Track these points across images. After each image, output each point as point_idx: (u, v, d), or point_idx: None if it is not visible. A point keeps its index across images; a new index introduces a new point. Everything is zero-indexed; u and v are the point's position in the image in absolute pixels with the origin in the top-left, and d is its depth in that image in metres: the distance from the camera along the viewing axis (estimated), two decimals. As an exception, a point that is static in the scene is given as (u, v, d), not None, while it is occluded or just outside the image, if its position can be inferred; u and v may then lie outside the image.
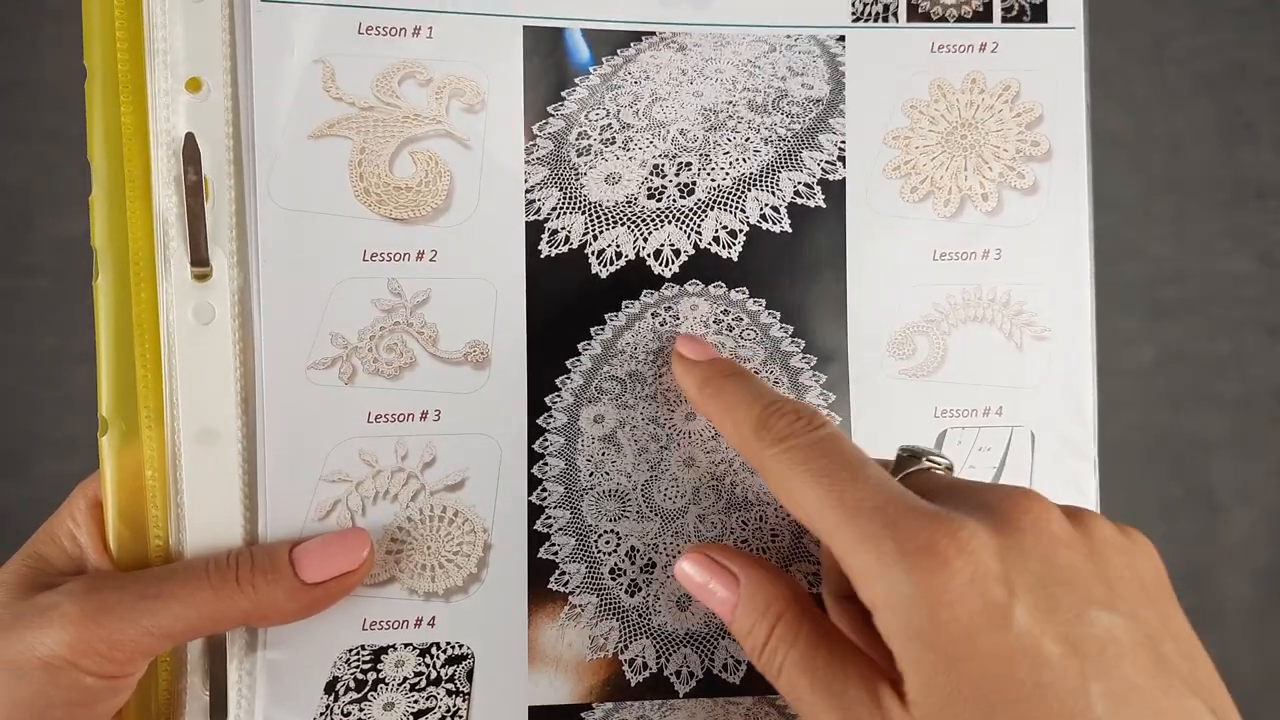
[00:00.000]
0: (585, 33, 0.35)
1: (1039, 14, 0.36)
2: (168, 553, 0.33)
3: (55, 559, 0.33)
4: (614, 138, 0.36)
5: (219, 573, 0.31)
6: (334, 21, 0.33)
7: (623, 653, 0.35)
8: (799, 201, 0.36)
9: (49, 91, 0.66)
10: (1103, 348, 0.69)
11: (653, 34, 0.36)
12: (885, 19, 0.36)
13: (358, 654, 0.34)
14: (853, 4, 0.36)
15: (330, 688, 0.34)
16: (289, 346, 0.33)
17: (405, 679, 0.34)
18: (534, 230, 0.35)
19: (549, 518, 0.35)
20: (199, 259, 0.32)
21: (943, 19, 0.36)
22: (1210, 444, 0.69)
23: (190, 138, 0.32)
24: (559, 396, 0.35)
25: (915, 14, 0.36)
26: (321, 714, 0.34)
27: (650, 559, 0.35)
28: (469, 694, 0.34)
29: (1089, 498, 0.36)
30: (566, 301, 0.35)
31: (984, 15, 0.36)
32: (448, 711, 0.34)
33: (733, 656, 0.35)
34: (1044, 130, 0.36)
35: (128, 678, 0.31)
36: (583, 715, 0.35)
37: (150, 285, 0.32)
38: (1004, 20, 0.36)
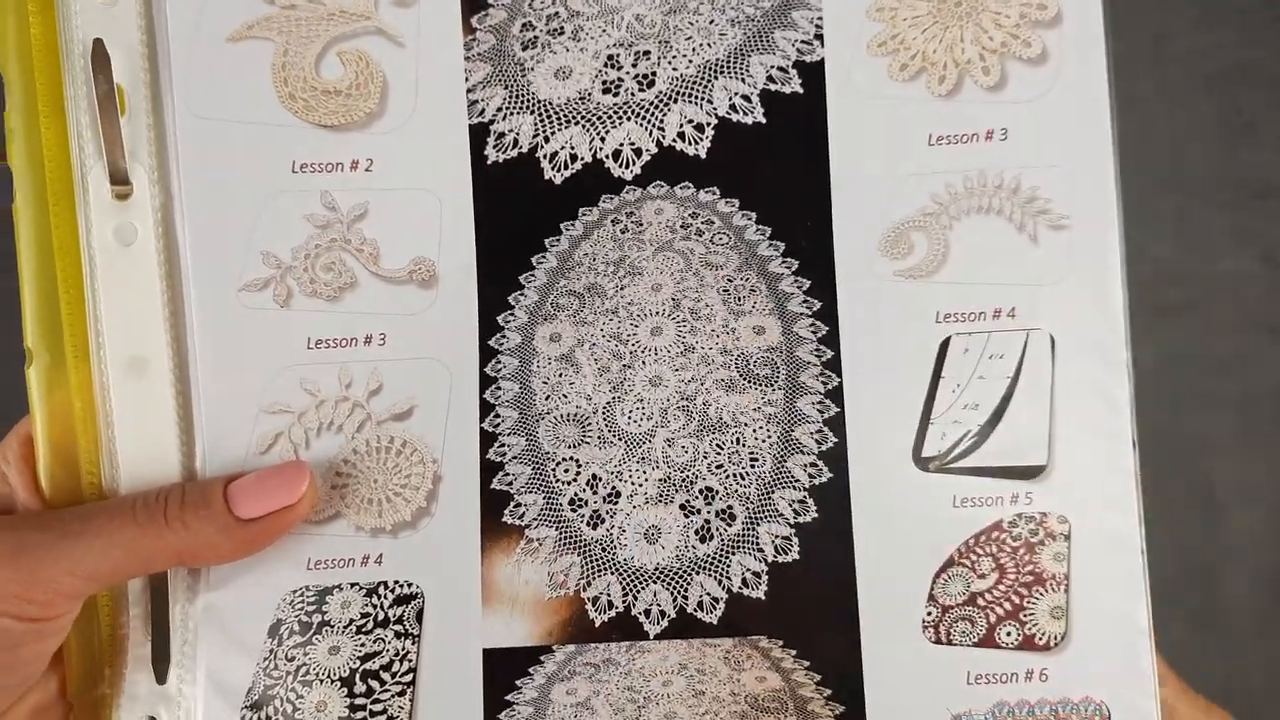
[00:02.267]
0: (528, -86, 0.32)
1: None
2: (101, 491, 0.31)
3: None
4: (562, 27, 0.33)
5: (146, 509, 0.30)
6: None
7: (585, 590, 0.32)
8: (772, 88, 0.32)
9: None
10: None
11: None
12: None
13: (302, 595, 0.32)
14: None
15: (274, 631, 0.32)
16: (218, 267, 0.32)
17: (351, 620, 0.32)
18: (478, 134, 0.32)
19: (502, 445, 0.32)
20: (117, 176, 0.31)
21: None
22: (1212, 444, 0.70)
23: (99, 44, 0.30)
24: (512, 315, 0.32)
25: None
26: (265, 658, 0.32)
27: (614, 488, 0.32)
28: (419, 636, 0.32)
29: (1121, 411, 0.32)
30: (518, 211, 0.32)
31: None
32: (396, 655, 0.32)
33: (709, 594, 0.32)
34: None
35: (52, 620, 0.30)
36: (542, 659, 0.32)
37: (69, 206, 0.31)
38: None
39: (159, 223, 0.31)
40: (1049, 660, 0.31)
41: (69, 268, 0.31)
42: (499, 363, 0.32)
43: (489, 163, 0.32)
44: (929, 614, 0.32)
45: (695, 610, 0.32)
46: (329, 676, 0.32)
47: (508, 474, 0.32)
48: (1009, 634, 0.31)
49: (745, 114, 0.32)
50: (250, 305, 0.32)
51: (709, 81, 0.32)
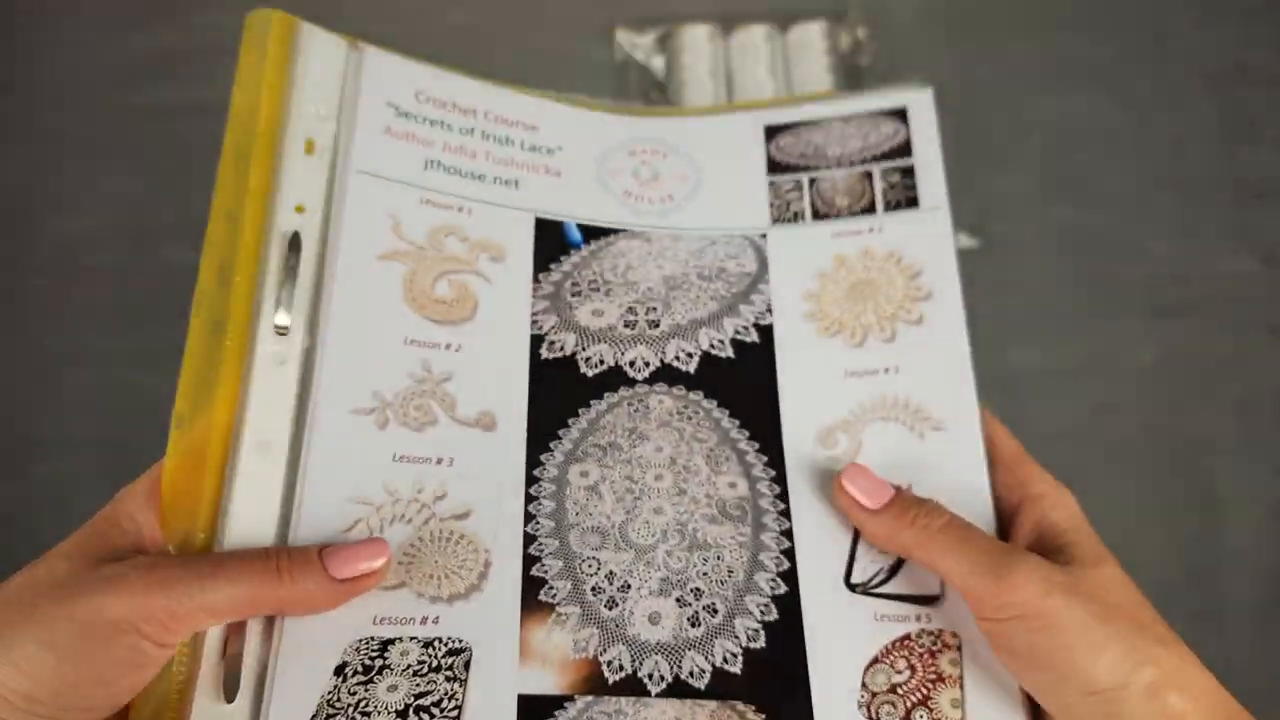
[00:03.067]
0: (579, 225, 0.49)
1: (912, 201, 0.50)
2: (211, 542, 0.38)
3: (115, 538, 0.38)
4: (599, 287, 0.48)
5: (264, 561, 0.37)
6: (405, 193, 0.46)
7: (602, 655, 0.39)
8: (738, 337, 0.47)
9: (49, 91, 0.69)
10: (1104, 348, 0.67)
11: (627, 230, 0.50)
12: (795, 220, 0.50)
13: (367, 643, 0.38)
14: (771, 213, 0.50)
15: (339, 670, 0.37)
16: (338, 393, 0.42)
17: (409, 665, 0.38)
18: (536, 340, 0.46)
19: (540, 544, 0.41)
20: (281, 322, 0.42)
21: (839, 215, 0.50)
22: (1212, 445, 0.69)
23: (296, 235, 0.43)
24: (552, 455, 0.43)
25: (817, 215, 0.50)
26: (330, 692, 0.37)
27: (626, 581, 0.41)
28: (465, 681, 0.38)
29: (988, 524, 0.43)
30: (560, 388, 0.45)
31: (870, 209, 0.50)
32: (445, 695, 0.37)
33: (698, 665, 0.40)
34: (924, 279, 0.48)
35: (173, 648, 0.35)
36: (565, 705, 0.38)
37: (239, 335, 0.41)
38: (885, 210, 0.50)
39: (303, 356, 0.42)
40: None
41: (231, 366, 0.41)
42: (540, 487, 0.43)
43: (542, 358, 0.45)
44: (862, 696, 0.40)
45: (687, 677, 0.39)
46: (386, 709, 0.37)
47: (544, 565, 0.41)
48: (921, 717, 0.39)
49: (720, 350, 0.47)
50: (357, 424, 0.42)
51: (696, 330, 0.47)
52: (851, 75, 0.78)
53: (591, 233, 0.49)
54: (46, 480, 0.65)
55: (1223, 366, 0.69)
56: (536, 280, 0.47)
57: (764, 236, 0.50)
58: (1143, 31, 0.72)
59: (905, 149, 0.51)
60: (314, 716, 0.36)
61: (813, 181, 0.51)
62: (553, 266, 0.48)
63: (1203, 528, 0.69)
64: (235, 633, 0.37)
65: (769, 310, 0.48)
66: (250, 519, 0.39)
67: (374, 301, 0.44)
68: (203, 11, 0.79)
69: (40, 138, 0.71)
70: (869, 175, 0.51)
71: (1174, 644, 0.36)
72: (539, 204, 0.49)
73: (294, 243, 0.43)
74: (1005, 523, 0.43)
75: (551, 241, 0.48)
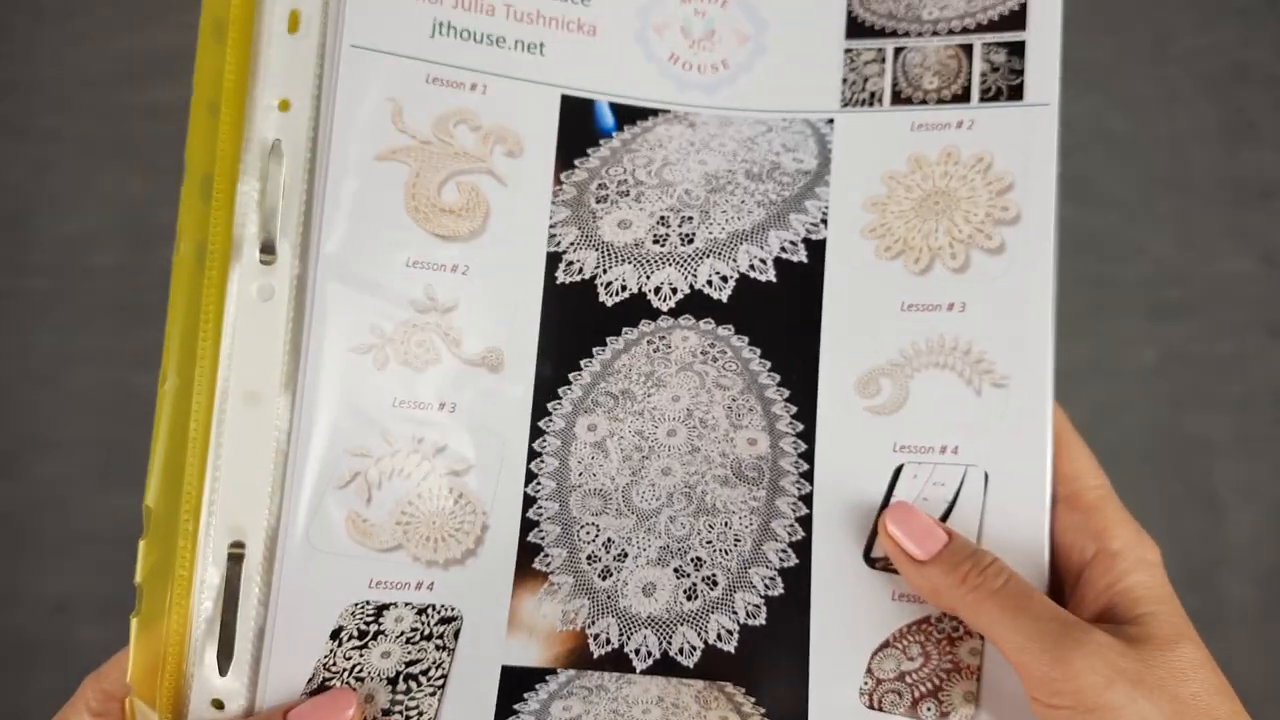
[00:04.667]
0: (612, 105, 0.42)
1: (1015, 93, 0.41)
2: (197, 503, 0.37)
3: None
4: (628, 191, 0.42)
5: None
6: (407, 70, 0.40)
7: (590, 627, 0.39)
8: (784, 256, 0.42)
9: (49, 91, 0.70)
10: (1104, 348, 0.67)
11: (668, 111, 0.42)
12: (870, 104, 0.42)
13: (362, 608, 0.38)
14: (842, 92, 0.43)
15: (335, 635, 0.38)
16: (335, 331, 0.39)
17: (402, 632, 0.38)
18: (553, 260, 0.41)
19: (540, 508, 0.40)
20: (267, 246, 0.38)
21: (923, 101, 0.42)
22: (1212, 445, 0.69)
23: (278, 144, 0.38)
24: (559, 404, 0.41)
25: (898, 99, 0.42)
26: (326, 656, 0.38)
27: (624, 550, 0.40)
28: (454, 650, 0.38)
29: (1040, 541, 0.39)
30: (574, 323, 0.41)
31: (962, 97, 0.42)
32: (433, 664, 0.38)
33: (689, 642, 0.39)
34: (1014, 196, 0.41)
35: None
36: (547, 678, 0.39)
37: (222, 266, 0.38)
38: (981, 100, 0.41)
39: (293, 287, 0.39)
40: None
41: (211, 312, 0.38)
42: (544, 441, 0.40)
43: (557, 283, 0.41)
44: (865, 683, 0.38)
45: (676, 654, 0.39)
46: (379, 675, 0.38)
47: (541, 531, 0.40)
48: (929, 709, 0.38)
49: (760, 273, 0.42)
50: (354, 364, 0.39)
51: (735, 245, 0.42)
52: None
53: (626, 115, 0.42)
54: (46, 480, 0.66)
55: (1223, 366, 0.69)
56: (557, 180, 0.42)
57: (830, 123, 0.43)
58: (1143, 32, 0.71)
59: (1019, 18, 0.42)
60: (310, 680, 0.38)
61: (899, 52, 0.42)
62: (577, 163, 0.42)
63: (1203, 527, 0.68)
64: (230, 604, 0.38)
65: (823, 222, 0.42)
66: (242, 485, 0.38)
67: (373, 215, 0.40)
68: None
69: (40, 138, 0.70)
70: (968, 50, 0.42)
71: None
72: (567, 76, 0.42)
73: (275, 151, 0.38)
74: (1064, 573, 0.39)
75: (579, 128, 0.42)
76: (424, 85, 0.40)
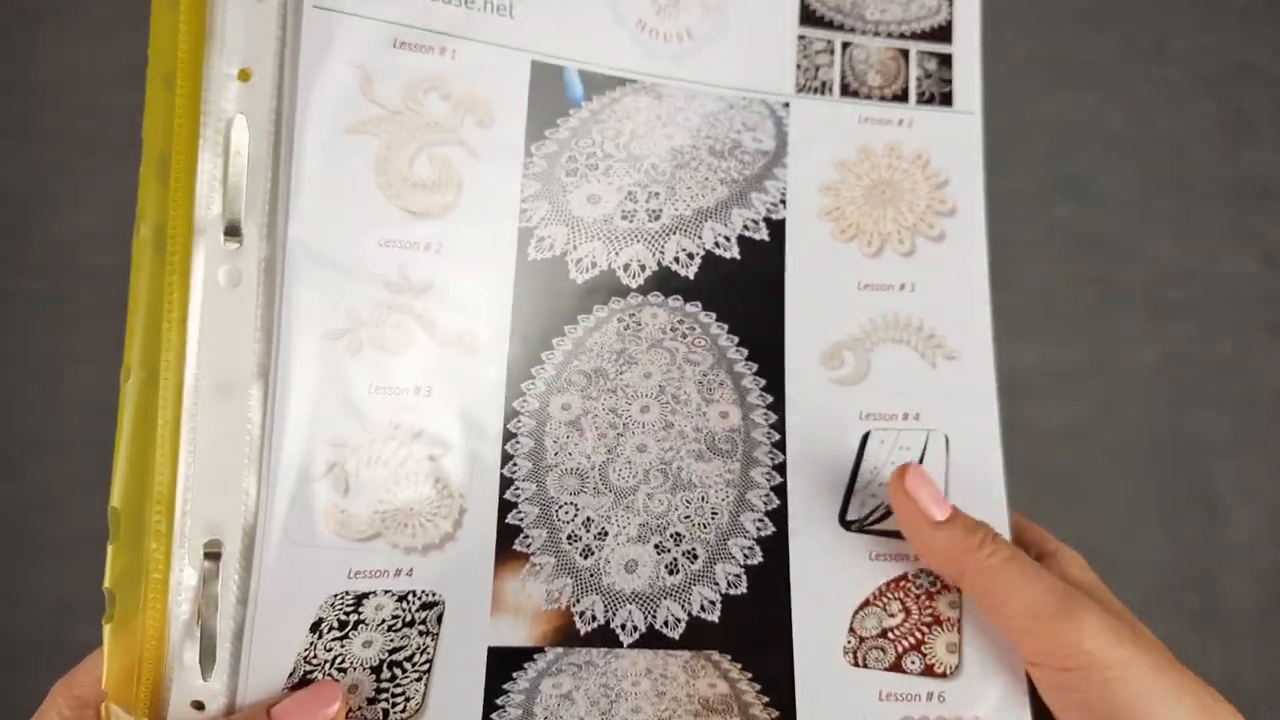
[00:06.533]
0: (581, 73, 0.41)
1: (946, 99, 0.44)
2: (170, 501, 0.35)
3: None
4: (597, 164, 0.42)
5: None
6: (373, 33, 0.38)
7: (574, 605, 0.40)
8: (746, 234, 0.43)
9: (49, 91, 0.68)
10: (1104, 348, 0.67)
11: (635, 81, 0.42)
12: (822, 92, 0.44)
13: (342, 599, 0.38)
14: (796, 78, 0.43)
15: (315, 627, 0.37)
16: (308, 315, 0.37)
17: (383, 620, 0.38)
18: (524, 235, 0.40)
19: (517, 489, 0.40)
20: (232, 229, 0.36)
21: (868, 96, 0.44)
22: (1212, 445, 0.69)
23: (240, 120, 0.36)
24: (533, 384, 0.40)
25: (846, 90, 0.44)
26: (306, 649, 0.37)
27: (603, 528, 0.40)
28: (438, 635, 0.38)
29: (996, 497, 0.41)
30: (546, 299, 0.41)
31: (901, 97, 0.44)
32: (417, 649, 0.38)
33: (673, 614, 0.40)
34: (949, 191, 0.44)
35: None
36: (535, 657, 0.39)
37: (185, 250, 0.36)
38: (917, 103, 0.44)
39: (261, 270, 0.37)
40: (946, 685, 0.39)
41: (176, 300, 0.36)
42: (519, 422, 0.40)
43: (529, 259, 0.41)
44: (848, 642, 0.40)
45: (661, 627, 0.40)
46: (362, 665, 0.37)
47: (520, 512, 0.40)
48: (913, 663, 0.39)
49: (725, 250, 0.42)
50: (329, 350, 0.38)
51: (700, 222, 0.42)
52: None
53: (595, 84, 0.42)
54: (46, 480, 0.67)
55: (1223, 366, 0.69)
56: (528, 153, 0.41)
57: (786, 106, 0.43)
58: (1143, 32, 0.71)
59: (945, 32, 0.45)
60: (291, 674, 0.37)
61: (846, 46, 0.44)
62: (548, 134, 0.41)
63: (1203, 528, 0.68)
64: (210, 604, 0.37)
65: (782, 202, 0.43)
66: (216, 481, 0.36)
67: (344, 192, 0.38)
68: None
69: (40, 138, 0.70)
70: (905, 55, 0.45)
71: (1223, 701, 0.36)
72: (536, 41, 0.41)
73: (237, 128, 0.36)
74: None
75: (548, 96, 0.41)
76: (391, 50, 0.39)
